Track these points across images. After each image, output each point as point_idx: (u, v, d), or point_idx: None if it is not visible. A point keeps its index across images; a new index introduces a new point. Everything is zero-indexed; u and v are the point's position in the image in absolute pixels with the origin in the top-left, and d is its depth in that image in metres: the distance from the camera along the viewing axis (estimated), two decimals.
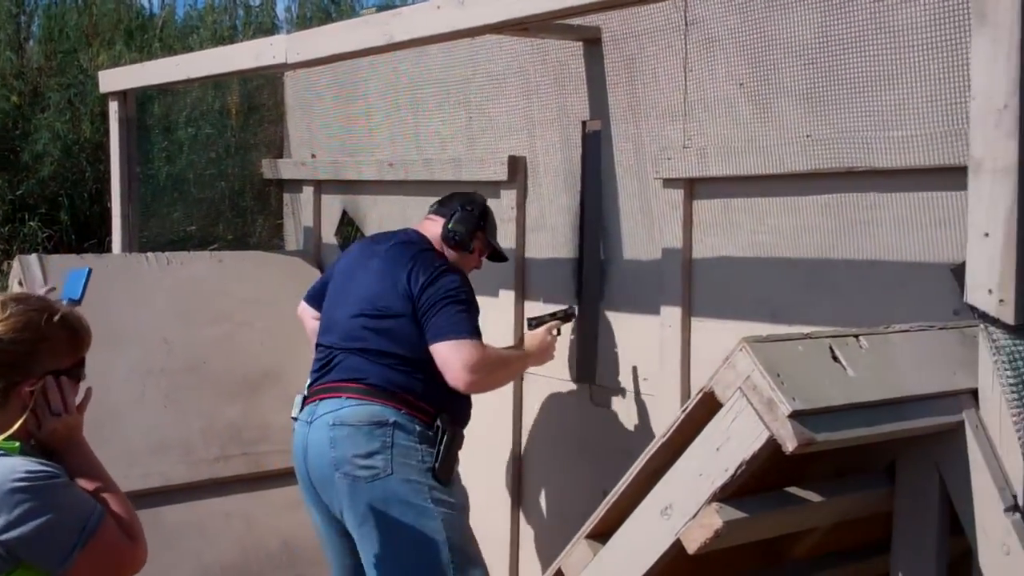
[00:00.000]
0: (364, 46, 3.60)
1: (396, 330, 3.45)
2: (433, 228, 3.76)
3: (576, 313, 4.01)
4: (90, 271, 2.96)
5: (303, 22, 7.76)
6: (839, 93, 3.16)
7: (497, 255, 3.92)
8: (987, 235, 2.03)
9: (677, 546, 2.09)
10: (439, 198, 3.88)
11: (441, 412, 3.44)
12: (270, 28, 7.72)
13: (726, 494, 2.03)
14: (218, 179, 6.00)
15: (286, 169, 5.64)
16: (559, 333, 3.93)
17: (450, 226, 3.73)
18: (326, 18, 7.53)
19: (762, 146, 3.34)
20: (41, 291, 2.93)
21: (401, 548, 3.35)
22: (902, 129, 2.99)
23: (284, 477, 4.62)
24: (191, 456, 4.52)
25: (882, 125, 3.05)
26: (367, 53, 3.82)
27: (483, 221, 3.80)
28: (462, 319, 3.45)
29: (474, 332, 3.46)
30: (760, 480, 2.12)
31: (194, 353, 4.70)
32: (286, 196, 5.77)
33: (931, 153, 2.91)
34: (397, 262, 3.57)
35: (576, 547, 2.39)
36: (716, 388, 2.01)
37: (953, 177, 2.71)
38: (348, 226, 5.41)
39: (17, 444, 2.18)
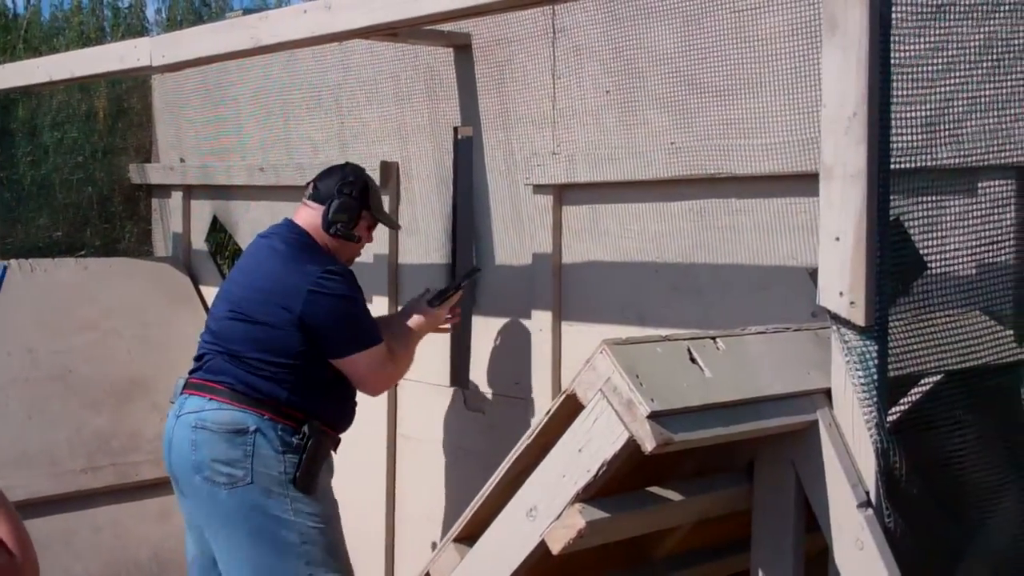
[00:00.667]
0: (231, 49, 3.56)
1: (265, 339, 3.32)
2: (310, 217, 3.52)
3: (480, 268, 3.87)
4: (6, 268, 2.76)
5: (173, 25, 7.62)
6: (701, 102, 3.22)
7: (389, 224, 3.80)
8: (838, 239, 2.08)
9: (543, 547, 2.11)
10: (315, 179, 3.60)
11: (311, 418, 3.33)
12: (140, 30, 7.55)
13: (589, 494, 2.05)
14: (85, 184, 5.85)
15: (154, 174, 5.54)
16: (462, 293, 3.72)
17: (330, 217, 3.48)
18: (197, 21, 7.39)
19: (628, 153, 3.40)
20: None
21: (257, 559, 3.28)
22: (762, 137, 3.07)
23: (155, 487, 4.55)
24: (57, 467, 4.41)
25: (743, 133, 3.12)
26: (234, 56, 3.77)
27: (365, 199, 3.54)
28: (358, 329, 3.36)
29: (373, 338, 3.38)
30: (625, 481, 2.15)
31: (59, 362, 4.60)
32: (154, 201, 5.67)
33: (789, 160, 2.99)
34: (275, 273, 3.38)
35: (444, 551, 2.40)
36: (578, 390, 2.03)
37: (811, 183, 2.78)
38: (219, 232, 5.34)
39: None
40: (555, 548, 2.06)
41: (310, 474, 3.31)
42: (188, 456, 3.31)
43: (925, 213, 2.23)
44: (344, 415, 3.52)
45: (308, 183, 3.61)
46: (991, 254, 2.36)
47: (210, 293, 5.16)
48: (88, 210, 5.87)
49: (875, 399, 2.10)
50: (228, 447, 3.27)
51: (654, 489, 2.21)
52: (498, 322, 3.92)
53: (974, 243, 2.32)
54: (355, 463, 4.35)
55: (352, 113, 4.43)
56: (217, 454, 3.27)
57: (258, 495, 3.26)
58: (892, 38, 2.09)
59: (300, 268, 3.35)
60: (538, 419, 2.17)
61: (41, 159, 5.87)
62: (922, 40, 2.21)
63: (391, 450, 4.29)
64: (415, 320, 3.64)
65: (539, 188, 3.69)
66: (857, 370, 2.12)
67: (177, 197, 5.35)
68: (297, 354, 3.31)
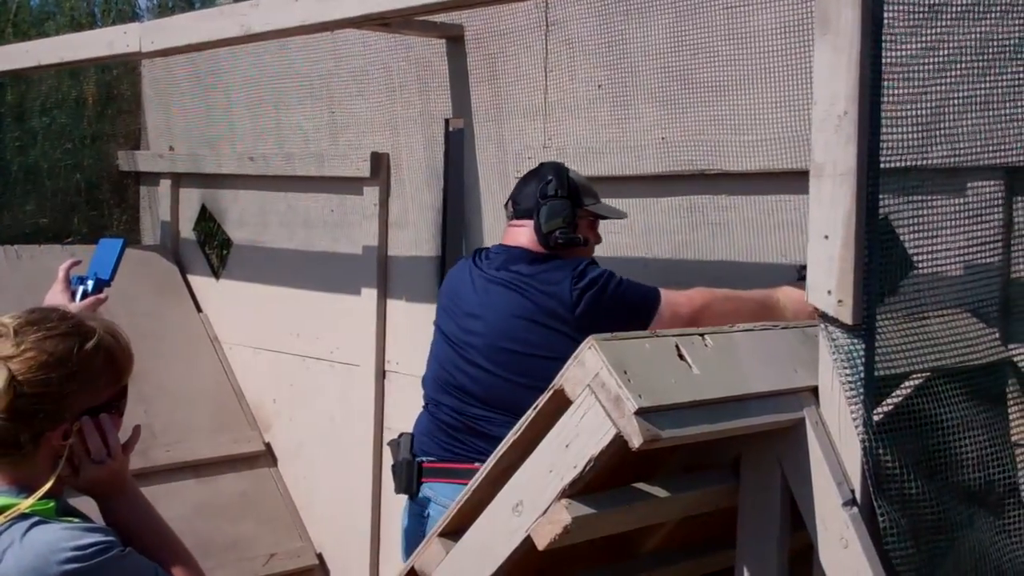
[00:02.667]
0: (221, 36, 3.55)
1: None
2: (522, 236, 2.99)
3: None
4: (125, 243, 2.55)
5: (164, 11, 7.59)
6: (692, 97, 3.22)
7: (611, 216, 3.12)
8: (827, 237, 2.08)
9: (528, 542, 2.10)
10: (510, 196, 3.09)
11: None
12: (131, 16, 7.53)
13: (575, 490, 2.04)
14: (73, 170, 5.83)
15: (143, 161, 5.52)
16: None
17: (544, 230, 2.91)
18: (187, 8, 7.38)
19: (619, 148, 3.39)
20: (63, 267, 2.52)
21: None
22: (752, 133, 3.07)
23: (140, 477, 4.51)
24: None
25: (733, 129, 3.12)
26: (224, 44, 3.77)
27: (576, 195, 2.96)
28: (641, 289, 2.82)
29: (651, 289, 2.83)
30: (612, 476, 2.15)
31: None
32: (143, 189, 5.65)
33: (779, 157, 2.99)
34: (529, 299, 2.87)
35: (429, 545, 2.39)
36: (566, 385, 2.02)
37: (800, 180, 2.78)
38: (208, 221, 5.33)
39: (52, 504, 1.78)
40: (541, 543, 2.06)
41: None
42: None
43: (914, 213, 2.23)
44: None
45: (506, 203, 3.14)
46: (979, 254, 2.36)
47: (198, 282, 5.15)
48: (76, 197, 5.85)
49: (862, 397, 2.10)
50: None
51: (640, 485, 2.21)
52: None
53: (963, 243, 2.33)
54: (343, 452, 4.36)
55: (343, 103, 4.42)
56: None
57: None
58: (884, 38, 2.09)
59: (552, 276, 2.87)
60: (524, 415, 2.16)
61: (29, 144, 5.85)
62: (914, 40, 2.20)
63: (378, 442, 4.28)
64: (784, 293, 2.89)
65: None
66: (844, 368, 2.12)
67: (166, 185, 5.33)
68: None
